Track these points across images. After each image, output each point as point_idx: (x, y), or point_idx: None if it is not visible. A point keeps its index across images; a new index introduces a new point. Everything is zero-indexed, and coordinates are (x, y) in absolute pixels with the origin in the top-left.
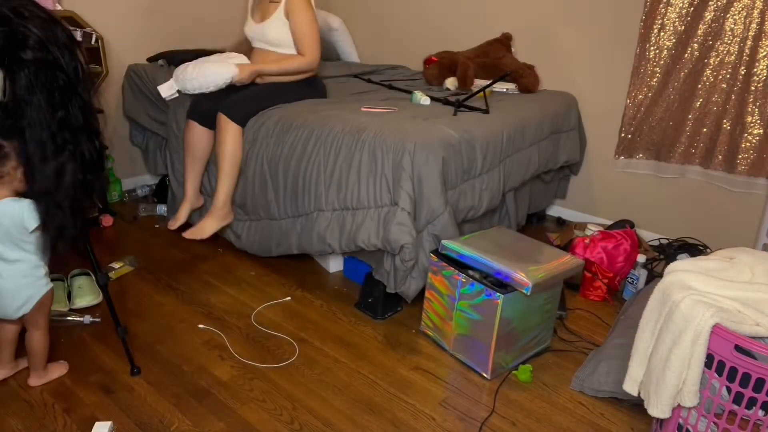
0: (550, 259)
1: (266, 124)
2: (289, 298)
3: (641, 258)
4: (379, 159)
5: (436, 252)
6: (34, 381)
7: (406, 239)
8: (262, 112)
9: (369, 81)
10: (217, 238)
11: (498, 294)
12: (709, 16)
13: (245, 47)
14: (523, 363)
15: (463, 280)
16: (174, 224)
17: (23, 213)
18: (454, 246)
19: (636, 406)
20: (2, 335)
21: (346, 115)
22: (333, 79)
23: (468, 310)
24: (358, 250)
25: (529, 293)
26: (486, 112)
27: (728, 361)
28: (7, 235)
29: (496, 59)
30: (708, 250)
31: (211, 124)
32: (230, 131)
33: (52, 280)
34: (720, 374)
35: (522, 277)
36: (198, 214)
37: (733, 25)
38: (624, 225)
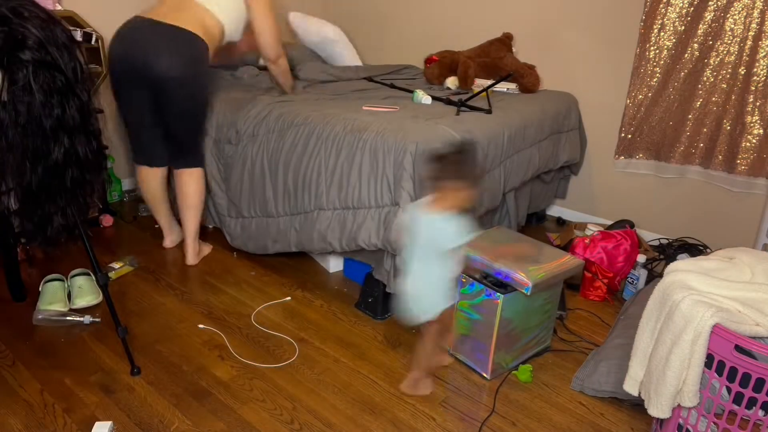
0: (550, 259)
1: (267, 120)
2: (289, 298)
3: (641, 258)
4: (380, 159)
5: None
6: (404, 386)
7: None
8: (260, 108)
9: (370, 80)
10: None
11: (498, 294)
12: (709, 16)
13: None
14: (523, 363)
15: (463, 280)
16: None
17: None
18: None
19: (636, 406)
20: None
21: (348, 113)
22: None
23: (468, 310)
24: (358, 250)
25: (529, 293)
26: (488, 112)
27: (728, 361)
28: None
29: (496, 59)
30: (708, 250)
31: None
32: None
33: (52, 280)
34: (720, 374)
35: (522, 277)
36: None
37: (733, 25)
38: (624, 225)
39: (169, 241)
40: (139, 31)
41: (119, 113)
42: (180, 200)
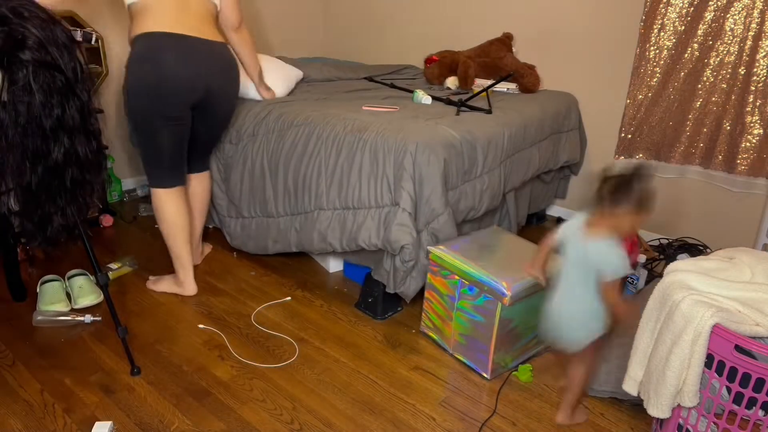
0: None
1: (267, 120)
2: (289, 298)
3: (641, 258)
4: (380, 159)
5: None
6: (560, 417)
7: (406, 240)
8: (260, 108)
9: (370, 80)
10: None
11: None
12: (709, 16)
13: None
14: (524, 363)
15: (465, 282)
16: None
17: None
18: (437, 255)
19: (636, 406)
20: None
21: (348, 114)
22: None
23: (468, 310)
24: (358, 251)
25: (509, 303)
26: (489, 112)
27: (728, 361)
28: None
29: (496, 59)
30: (708, 250)
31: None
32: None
33: (50, 281)
34: (720, 374)
35: (503, 287)
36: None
37: (733, 25)
38: None
39: (191, 280)
40: (197, 52)
41: (150, 142)
42: (197, 204)
